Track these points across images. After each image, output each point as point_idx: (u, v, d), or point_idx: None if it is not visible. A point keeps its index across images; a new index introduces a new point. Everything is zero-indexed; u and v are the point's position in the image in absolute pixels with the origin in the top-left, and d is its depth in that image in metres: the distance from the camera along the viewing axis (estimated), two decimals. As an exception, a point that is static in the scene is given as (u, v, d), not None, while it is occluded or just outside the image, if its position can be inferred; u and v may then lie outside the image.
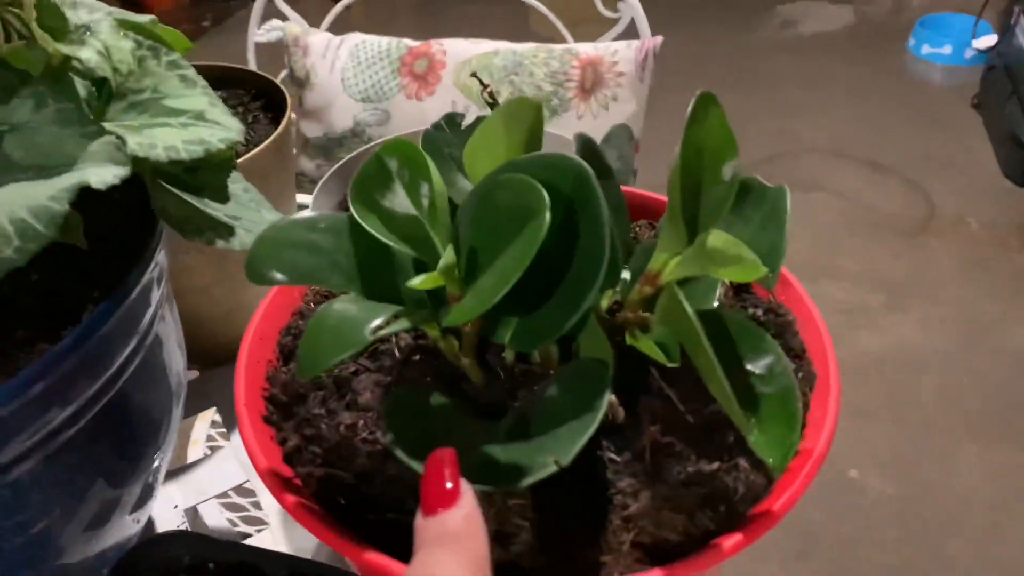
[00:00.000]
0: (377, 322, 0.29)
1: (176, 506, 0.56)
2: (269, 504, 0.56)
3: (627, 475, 0.31)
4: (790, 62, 2.72)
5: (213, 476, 0.58)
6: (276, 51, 1.17)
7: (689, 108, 0.30)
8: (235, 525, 0.72)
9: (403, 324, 0.29)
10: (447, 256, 0.30)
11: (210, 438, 0.65)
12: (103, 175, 0.32)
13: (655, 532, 0.30)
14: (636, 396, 0.34)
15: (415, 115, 1.04)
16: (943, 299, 1.81)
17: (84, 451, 0.41)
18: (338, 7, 1.23)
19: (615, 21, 1.14)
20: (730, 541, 0.28)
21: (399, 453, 0.28)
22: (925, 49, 2.68)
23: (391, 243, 0.31)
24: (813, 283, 1.81)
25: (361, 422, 0.33)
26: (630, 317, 0.33)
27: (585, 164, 0.30)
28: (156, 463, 0.48)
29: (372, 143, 0.61)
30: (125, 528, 0.47)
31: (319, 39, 1.09)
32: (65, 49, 0.33)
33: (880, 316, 1.77)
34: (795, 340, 0.37)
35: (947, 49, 2.63)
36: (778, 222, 0.33)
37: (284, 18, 1.21)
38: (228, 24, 2.97)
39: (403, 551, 0.30)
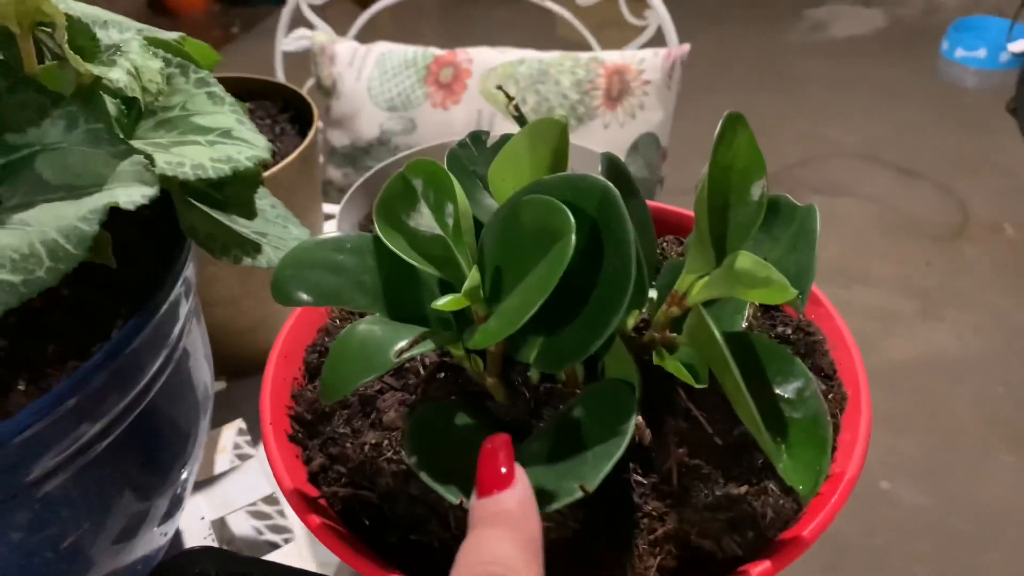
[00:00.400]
0: (402, 344, 0.29)
1: (203, 517, 0.56)
2: (296, 517, 0.56)
3: (653, 498, 0.31)
4: (821, 65, 2.69)
5: (240, 487, 0.58)
6: (304, 59, 1.18)
7: (717, 129, 0.29)
8: (261, 534, 0.72)
9: (428, 346, 0.29)
10: (472, 278, 0.30)
11: (237, 447, 0.66)
12: (132, 195, 0.32)
13: (681, 556, 0.30)
14: (663, 417, 0.34)
15: (441, 124, 1.04)
16: (977, 306, 1.78)
17: (114, 465, 0.42)
18: (366, 14, 1.24)
19: (642, 27, 1.14)
20: (758, 568, 0.28)
21: (423, 475, 0.28)
22: (959, 52, 2.63)
23: (416, 263, 0.31)
24: (845, 289, 1.79)
25: (386, 441, 0.33)
26: (657, 337, 0.33)
27: (610, 185, 0.29)
28: (184, 475, 0.48)
29: (398, 156, 0.62)
30: (153, 541, 0.48)
31: (346, 48, 1.09)
32: (95, 70, 0.33)
33: (913, 323, 1.74)
34: (825, 360, 0.36)
35: (981, 52, 2.59)
36: (808, 242, 0.32)
37: (311, 27, 1.22)
38: (257, 30, 3.00)
39: (427, 573, 0.30)
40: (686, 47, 1.02)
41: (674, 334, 0.33)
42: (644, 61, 1.00)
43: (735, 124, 0.30)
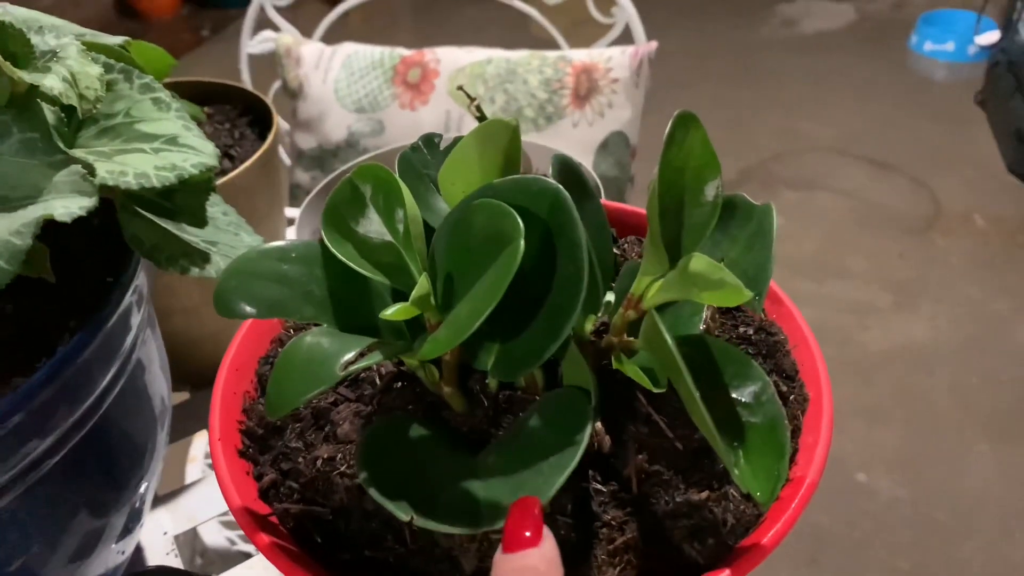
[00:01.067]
0: (348, 356, 0.28)
1: (165, 532, 0.55)
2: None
3: (613, 506, 0.30)
4: (793, 60, 2.70)
5: (209, 498, 0.57)
6: (272, 62, 1.16)
7: (667, 129, 0.29)
8: (234, 544, 0.71)
9: (376, 358, 0.28)
10: (421, 285, 0.29)
11: (208, 456, 0.64)
12: (69, 207, 0.31)
13: (642, 565, 0.29)
14: (623, 422, 0.33)
15: (409, 125, 1.03)
16: (951, 297, 1.79)
17: (65, 482, 0.40)
18: (333, 14, 1.22)
19: (610, 25, 1.13)
20: (718, 578, 0.27)
21: (372, 491, 0.27)
22: (928, 46, 2.66)
23: (365, 272, 0.30)
24: (820, 283, 1.80)
25: (340, 455, 0.32)
26: (615, 341, 0.32)
27: (561, 188, 0.29)
28: (141, 490, 0.47)
29: (358, 160, 0.61)
30: (110, 559, 0.47)
31: (311, 49, 1.08)
32: (28, 77, 0.32)
33: (888, 315, 1.75)
34: (787, 360, 0.36)
35: (950, 46, 2.61)
36: (765, 242, 0.32)
37: (277, 29, 1.20)
38: (226, 33, 2.97)
39: (380, 591, 0.29)
40: (653, 44, 1.01)
41: (631, 338, 0.32)
42: (612, 59, 0.99)
43: (687, 123, 0.29)
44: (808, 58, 2.71)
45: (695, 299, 0.29)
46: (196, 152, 0.37)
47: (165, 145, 0.37)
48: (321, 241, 0.31)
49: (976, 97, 2.36)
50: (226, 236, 0.41)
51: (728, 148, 2.20)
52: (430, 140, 0.36)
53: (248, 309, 0.29)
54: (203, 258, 0.37)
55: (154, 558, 0.53)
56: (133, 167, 0.35)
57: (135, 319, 0.43)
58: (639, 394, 0.33)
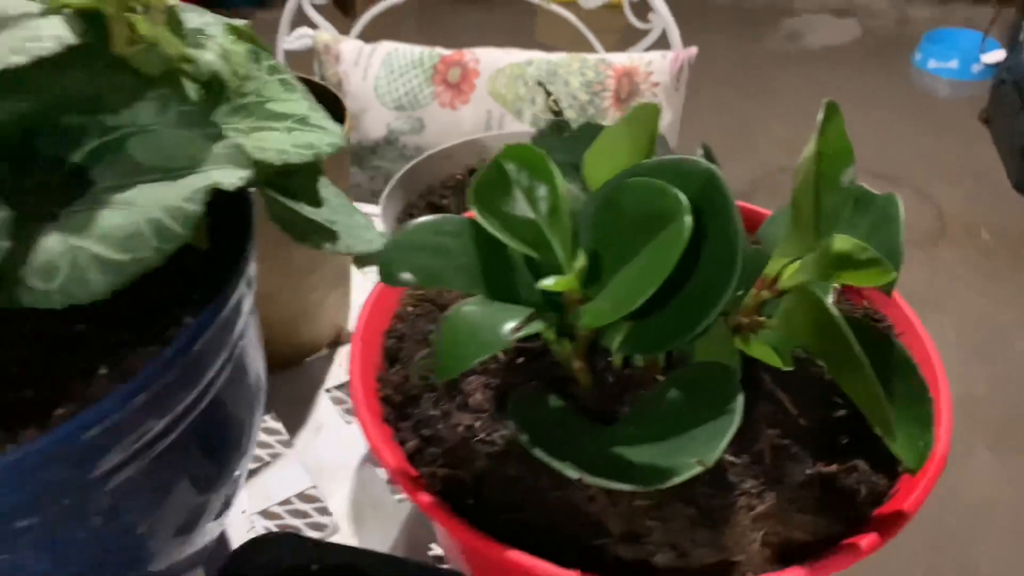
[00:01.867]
0: (513, 324, 0.29)
1: (244, 511, 0.56)
2: (337, 509, 0.56)
3: (749, 477, 0.32)
4: (798, 73, 2.74)
5: (277, 481, 0.58)
6: (303, 59, 1.17)
7: (820, 116, 0.30)
8: (299, 532, 0.71)
9: (538, 326, 0.30)
10: (579, 260, 0.31)
11: (266, 445, 0.65)
12: (230, 177, 0.32)
13: (783, 532, 0.30)
14: (749, 399, 0.34)
15: (449, 123, 1.05)
16: (957, 308, 1.82)
17: (176, 460, 0.41)
18: (367, 16, 1.24)
19: (635, 31, 1.15)
20: (865, 540, 0.29)
21: (538, 452, 0.28)
22: (932, 63, 2.70)
23: (515, 246, 0.32)
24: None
25: (478, 423, 0.33)
26: (744, 321, 0.34)
27: (715, 169, 0.30)
28: (239, 469, 0.48)
29: (431, 151, 0.62)
30: (207, 535, 0.47)
31: (351, 47, 1.09)
32: (192, 52, 0.33)
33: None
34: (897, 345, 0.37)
35: (954, 63, 2.65)
36: (892, 228, 0.33)
37: (313, 26, 1.22)
38: (257, 31, 2.97)
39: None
40: (693, 50, 1.03)
41: (762, 318, 0.33)
42: (652, 63, 1.01)
43: (830, 112, 0.31)
44: (813, 71, 2.75)
45: (836, 279, 0.30)
46: (327, 132, 0.38)
47: (296, 125, 0.39)
48: (471, 218, 0.33)
49: (981, 115, 2.40)
50: (341, 215, 0.42)
51: (735, 157, 2.22)
52: (560, 127, 0.37)
53: (408, 277, 0.31)
54: (332, 235, 0.38)
55: (236, 536, 0.54)
56: (272, 144, 0.36)
57: (246, 304, 0.44)
58: (764, 372, 0.35)
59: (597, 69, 1.01)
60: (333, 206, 0.43)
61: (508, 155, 0.33)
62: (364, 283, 0.70)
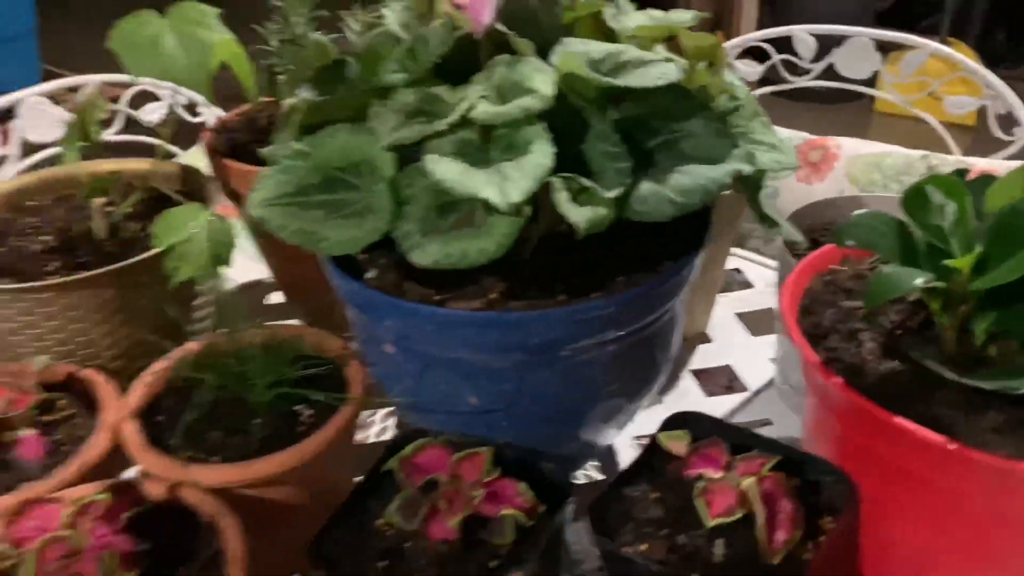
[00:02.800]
0: (922, 280, 0.45)
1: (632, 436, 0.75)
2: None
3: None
4: None
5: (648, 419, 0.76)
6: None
7: None
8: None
9: (941, 284, 0.46)
10: (973, 253, 0.46)
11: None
12: (745, 168, 0.52)
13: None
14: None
15: (802, 195, 1.21)
16: None
17: (618, 361, 0.60)
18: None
19: (1008, 142, 1.23)
20: None
21: (929, 363, 0.44)
22: None
23: (925, 238, 0.48)
24: None
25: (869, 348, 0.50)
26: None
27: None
28: (647, 394, 0.67)
29: (818, 199, 0.79)
30: (612, 433, 0.67)
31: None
32: (727, 91, 0.54)
33: None
34: None
35: None
36: None
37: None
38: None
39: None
40: (1053, 164, 1.10)
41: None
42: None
43: None
44: None
45: None
46: (786, 155, 0.58)
47: (769, 149, 0.58)
48: (898, 217, 0.49)
49: None
50: (770, 211, 0.61)
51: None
52: (959, 172, 0.53)
53: (854, 244, 0.48)
54: (776, 224, 0.57)
55: (624, 452, 0.74)
56: (760, 156, 0.56)
57: (691, 275, 0.63)
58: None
59: (956, 167, 1.12)
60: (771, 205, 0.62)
61: (932, 181, 0.49)
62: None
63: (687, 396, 0.82)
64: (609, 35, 0.58)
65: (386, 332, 0.59)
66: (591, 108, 0.49)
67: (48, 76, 1.68)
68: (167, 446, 0.58)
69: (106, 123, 1.19)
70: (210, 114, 1.24)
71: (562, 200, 0.47)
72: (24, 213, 0.78)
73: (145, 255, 0.65)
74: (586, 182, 0.48)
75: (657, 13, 0.57)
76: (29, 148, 1.14)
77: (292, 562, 0.60)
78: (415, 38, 0.53)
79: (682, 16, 0.55)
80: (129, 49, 0.63)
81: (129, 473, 0.62)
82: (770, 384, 0.82)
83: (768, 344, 0.86)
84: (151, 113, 1.20)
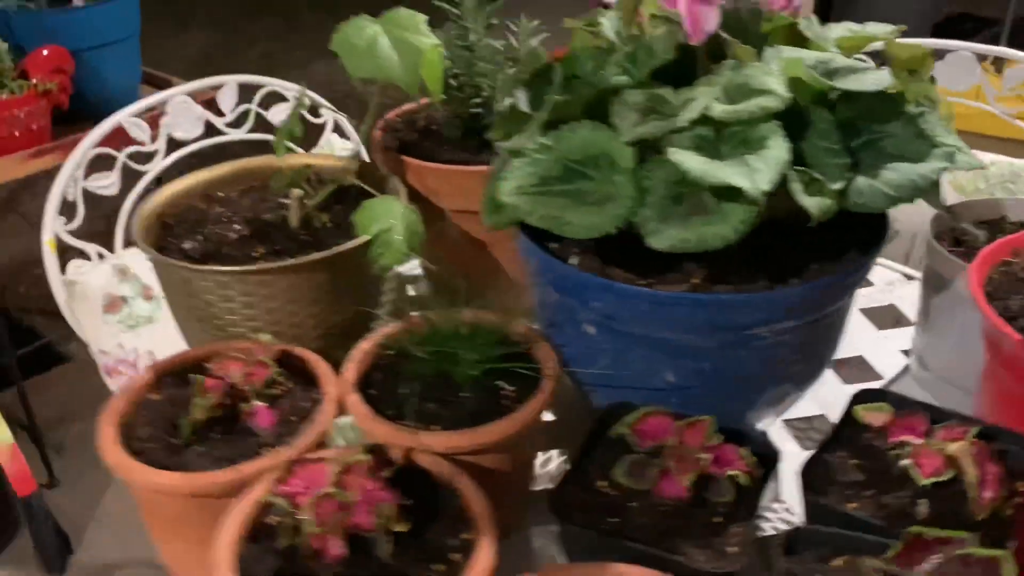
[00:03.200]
0: None
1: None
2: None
3: None
4: None
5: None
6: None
7: None
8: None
9: None
10: None
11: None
12: (943, 167, 0.57)
13: None
14: None
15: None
16: None
17: (789, 348, 0.64)
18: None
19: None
20: None
21: None
22: None
23: None
24: None
25: None
26: None
27: None
28: (812, 382, 0.71)
29: (956, 201, 0.83)
30: (767, 415, 0.71)
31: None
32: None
33: None
34: None
35: None
36: None
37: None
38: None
39: None
40: None
41: None
42: (1115, 180, 1.14)
43: None
44: None
45: None
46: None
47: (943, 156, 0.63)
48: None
49: None
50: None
51: None
52: None
53: None
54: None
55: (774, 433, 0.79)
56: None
57: (862, 278, 0.67)
58: None
59: (1060, 176, 1.16)
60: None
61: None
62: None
63: (825, 384, 0.86)
64: (802, 43, 0.63)
65: (590, 314, 0.64)
66: (815, 108, 0.55)
67: (145, 77, 1.77)
68: (387, 416, 0.64)
69: (237, 122, 1.26)
70: (330, 116, 1.30)
71: (797, 190, 0.52)
72: (215, 203, 0.84)
73: (355, 243, 0.71)
74: (816, 174, 0.53)
75: (854, 25, 0.62)
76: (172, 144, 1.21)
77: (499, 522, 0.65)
78: (639, 45, 0.59)
79: (882, 28, 0.60)
80: (348, 51, 0.69)
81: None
82: (904, 372, 0.86)
83: (894, 337, 0.91)
84: (280, 113, 1.27)
